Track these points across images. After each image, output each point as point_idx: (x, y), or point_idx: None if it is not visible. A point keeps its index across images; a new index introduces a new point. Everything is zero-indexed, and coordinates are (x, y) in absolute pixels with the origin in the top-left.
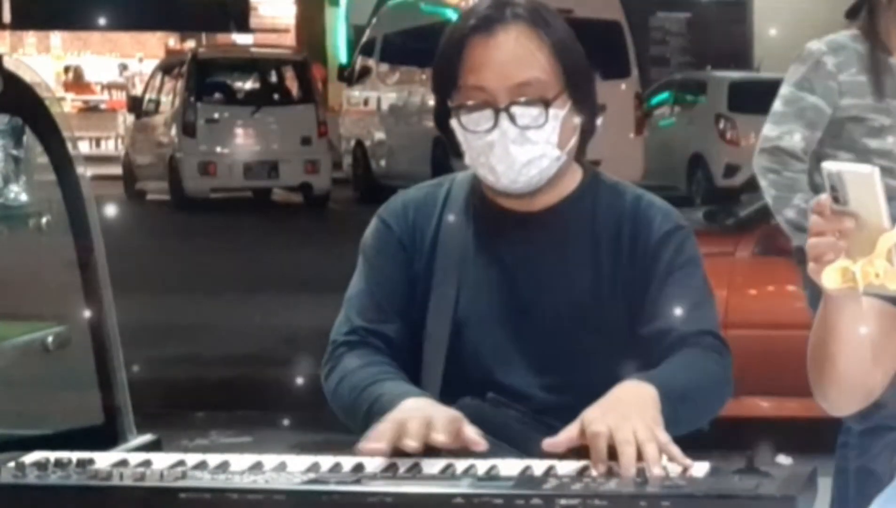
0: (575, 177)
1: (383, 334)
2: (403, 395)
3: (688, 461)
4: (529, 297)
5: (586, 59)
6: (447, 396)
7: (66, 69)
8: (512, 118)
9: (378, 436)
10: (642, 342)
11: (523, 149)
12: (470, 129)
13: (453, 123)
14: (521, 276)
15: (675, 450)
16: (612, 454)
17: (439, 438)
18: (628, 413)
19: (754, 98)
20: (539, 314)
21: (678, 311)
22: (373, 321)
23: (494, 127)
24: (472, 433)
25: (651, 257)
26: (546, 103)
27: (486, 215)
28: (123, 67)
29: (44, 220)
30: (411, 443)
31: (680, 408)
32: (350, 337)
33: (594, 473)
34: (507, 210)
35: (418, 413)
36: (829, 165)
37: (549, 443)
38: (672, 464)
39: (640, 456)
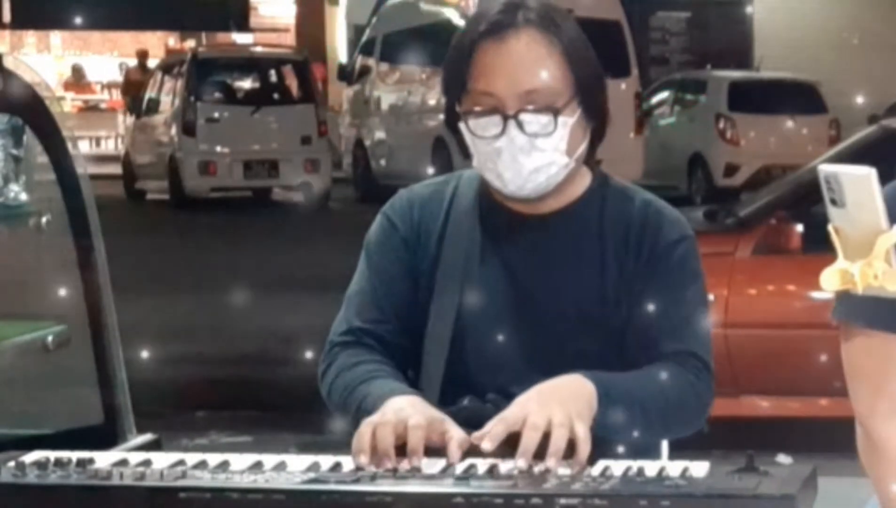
0: (584, 181)
1: (379, 335)
2: (388, 394)
3: (582, 463)
4: (535, 300)
5: (598, 64)
6: (448, 397)
7: (67, 69)
8: (520, 126)
9: (358, 446)
10: (628, 350)
11: (531, 157)
12: (478, 134)
13: (462, 126)
14: (527, 279)
15: (584, 448)
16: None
17: (413, 441)
18: (550, 401)
19: (754, 98)
20: (544, 318)
21: (667, 326)
22: (369, 321)
23: (502, 134)
24: (456, 432)
25: (654, 264)
26: (555, 112)
27: (494, 216)
28: (124, 67)
29: (44, 220)
30: (389, 464)
31: (626, 413)
32: (346, 338)
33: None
34: (515, 213)
35: (392, 418)
36: (825, 168)
37: (476, 436)
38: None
39: (568, 454)
